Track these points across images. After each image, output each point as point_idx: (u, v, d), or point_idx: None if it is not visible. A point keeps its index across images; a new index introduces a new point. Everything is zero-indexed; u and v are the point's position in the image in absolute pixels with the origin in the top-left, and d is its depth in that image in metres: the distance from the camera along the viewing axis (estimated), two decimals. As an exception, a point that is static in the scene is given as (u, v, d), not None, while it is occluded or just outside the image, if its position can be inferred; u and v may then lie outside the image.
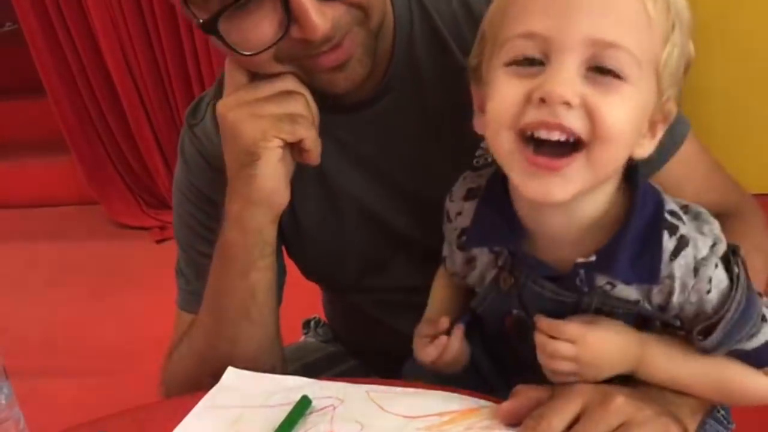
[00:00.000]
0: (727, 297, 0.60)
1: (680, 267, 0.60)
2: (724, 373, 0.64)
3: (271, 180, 0.74)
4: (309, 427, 0.68)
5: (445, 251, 0.76)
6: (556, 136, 0.55)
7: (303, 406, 0.70)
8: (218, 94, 0.86)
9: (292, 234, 0.88)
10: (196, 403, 0.74)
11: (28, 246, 3.01)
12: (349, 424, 0.68)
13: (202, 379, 0.79)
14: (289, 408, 0.69)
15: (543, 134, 0.55)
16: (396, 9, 0.80)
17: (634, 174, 0.63)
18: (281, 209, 0.77)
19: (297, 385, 0.74)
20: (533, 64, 0.56)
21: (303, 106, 0.73)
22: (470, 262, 0.71)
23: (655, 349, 0.64)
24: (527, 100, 0.55)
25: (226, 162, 0.76)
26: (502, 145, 0.58)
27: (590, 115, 0.55)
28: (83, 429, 0.76)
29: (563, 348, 0.62)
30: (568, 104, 0.54)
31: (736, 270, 0.61)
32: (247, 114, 0.72)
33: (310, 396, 0.71)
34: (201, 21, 0.69)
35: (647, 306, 0.63)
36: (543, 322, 0.63)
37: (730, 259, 0.61)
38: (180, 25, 2.59)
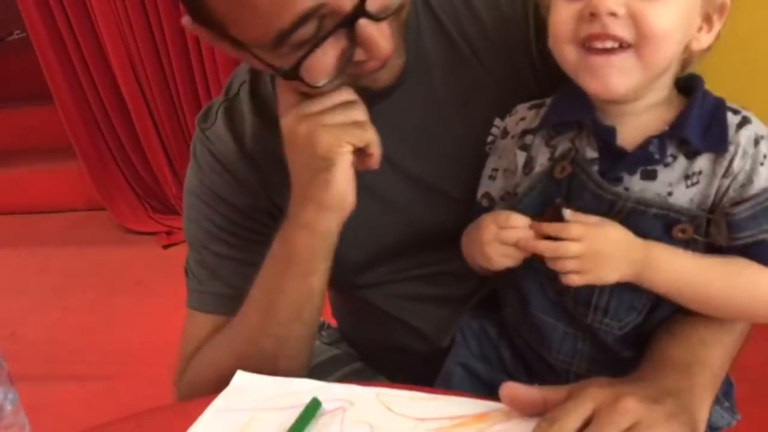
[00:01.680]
0: None
1: (744, 136, 0.66)
2: (733, 272, 0.67)
3: (344, 184, 0.76)
4: (319, 429, 0.68)
5: (487, 184, 0.79)
6: (609, 44, 0.63)
7: (313, 408, 0.69)
8: (227, 100, 0.89)
9: None
10: (202, 406, 0.73)
11: (35, 252, 3.02)
12: (360, 426, 0.67)
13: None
14: (299, 410, 0.69)
15: (597, 44, 0.63)
16: None
17: (694, 77, 0.70)
18: (349, 212, 0.79)
19: (306, 388, 0.73)
20: None
21: (363, 113, 0.76)
22: (528, 164, 0.74)
23: (661, 250, 0.67)
24: (580, 17, 0.63)
25: (294, 172, 0.78)
26: (566, 56, 0.67)
27: (636, 21, 0.62)
28: (89, 434, 0.75)
29: (570, 247, 0.66)
30: (614, 15, 0.61)
31: None
32: (317, 124, 0.74)
33: (320, 399, 0.70)
34: (281, 69, 0.72)
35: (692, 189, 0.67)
36: (549, 225, 0.68)
37: None
38: (187, 33, 2.60)
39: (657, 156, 0.67)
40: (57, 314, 2.53)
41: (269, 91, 0.86)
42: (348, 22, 0.67)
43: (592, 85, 0.66)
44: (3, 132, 3.37)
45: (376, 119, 0.83)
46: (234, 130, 0.87)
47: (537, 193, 0.73)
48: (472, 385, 0.80)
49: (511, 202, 0.75)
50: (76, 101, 2.91)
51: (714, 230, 0.67)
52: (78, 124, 2.96)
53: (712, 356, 0.71)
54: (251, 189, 0.87)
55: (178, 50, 2.65)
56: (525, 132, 0.76)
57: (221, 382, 0.78)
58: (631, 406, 0.60)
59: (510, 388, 0.65)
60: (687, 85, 0.71)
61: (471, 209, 0.81)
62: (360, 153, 0.76)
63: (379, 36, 0.69)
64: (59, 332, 2.42)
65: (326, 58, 0.70)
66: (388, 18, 0.70)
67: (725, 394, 0.80)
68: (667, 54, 0.65)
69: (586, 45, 0.64)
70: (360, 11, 0.67)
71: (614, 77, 0.64)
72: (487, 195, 0.80)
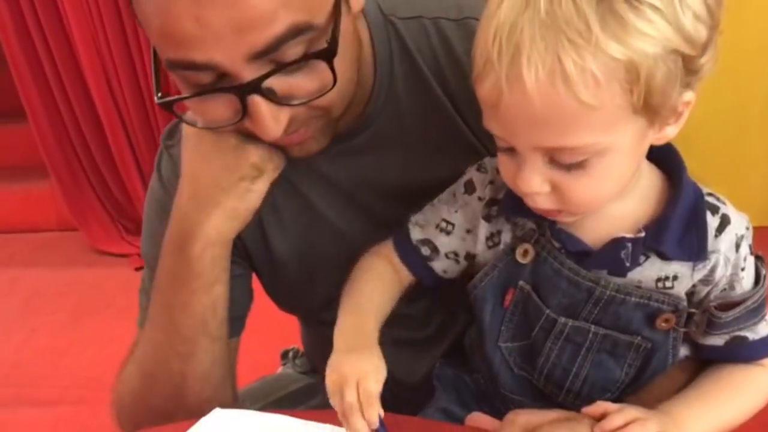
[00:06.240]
0: (754, 283, 0.65)
1: (725, 242, 0.63)
2: (738, 390, 0.67)
3: (261, 198, 0.76)
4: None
5: (434, 234, 0.75)
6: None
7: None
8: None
9: (265, 268, 0.88)
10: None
11: (6, 272, 2.95)
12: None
13: (151, 401, 0.78)
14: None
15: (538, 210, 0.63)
16: (376, 46, 0.79)
17: (676, 159, 0.65)
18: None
19: (284, 425, 0.72)
20: (513, 150, 0.60)
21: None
22: (493, 237, 0.71)
23: (681, 414, 0.65)
24: (515, 176, 0.61)
25: (206, 175, 0.76)
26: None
27: (560, 196, 0.60)
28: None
29: None
30: (538, 194, 0.60)
31: (763, 272, 0.66)
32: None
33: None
34: (159, 96, 0.68)
35: (672, 289, 0.64)
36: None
37: (759, 259, 0.66)
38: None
39: (627, 263, 0.64)
40: (26, 336, 2.47)
41: None
42: (239, 92, 0.64)
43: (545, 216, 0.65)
44: (-25, 150, 3.32)
45: (341, 160, 0.81)
46: None
47: (498, 273, 0.70)
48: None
49: (471, 283, 0.72)
50: (50, 120, 2.88)
51: (692, 324, 0.67)
52: (52, 143, 2.91)
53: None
54: None
55: (156, 70, 2.63)
56: (492, 201, 0.71)
57: (139, 407, 0.80)
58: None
59: (475, 420, 0.65)
60: (668, 165, 0.66)
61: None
62: None
63: (270, 118, 0.65)
64: (28, 355, 2.37)
65: (211, 108, 0.68)
66: (293, 106, 0.66)
67: None
68: (598, 204, 0.62)
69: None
70: (254, 87, 0.63)
71: (562, 218, 0.64)
72: (431, 244, 0.75)
